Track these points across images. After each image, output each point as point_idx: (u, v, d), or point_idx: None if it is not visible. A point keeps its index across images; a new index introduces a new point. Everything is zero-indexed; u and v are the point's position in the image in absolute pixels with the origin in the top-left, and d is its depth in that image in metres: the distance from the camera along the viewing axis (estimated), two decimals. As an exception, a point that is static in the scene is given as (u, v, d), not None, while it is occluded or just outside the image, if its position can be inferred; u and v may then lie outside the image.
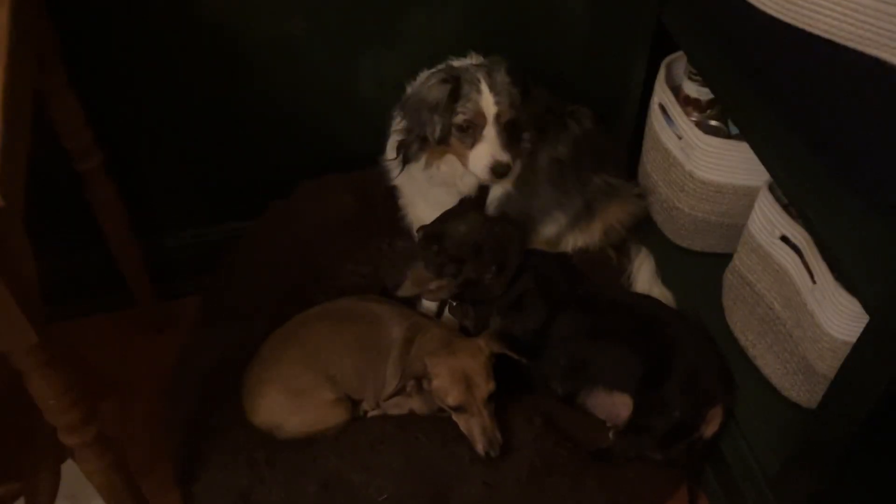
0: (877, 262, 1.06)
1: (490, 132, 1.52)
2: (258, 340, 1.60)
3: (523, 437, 1.48)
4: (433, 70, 1.57)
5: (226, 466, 1.48)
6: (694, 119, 1.66)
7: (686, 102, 1.69)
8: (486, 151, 1.52)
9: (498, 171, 1.52)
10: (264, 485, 1.45)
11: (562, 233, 1.77)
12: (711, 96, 1.65)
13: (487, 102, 1.50)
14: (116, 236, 1.67)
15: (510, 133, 1.54)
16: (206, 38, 1.60)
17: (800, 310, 1.35)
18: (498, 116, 1.51)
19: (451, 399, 1.40)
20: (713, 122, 1.68)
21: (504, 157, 1.51)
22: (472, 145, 1.53)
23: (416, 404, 1.54)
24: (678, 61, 1.71)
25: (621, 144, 1.88)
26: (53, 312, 1.75)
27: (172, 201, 1.85)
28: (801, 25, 1.13)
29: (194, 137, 1.75)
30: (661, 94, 1.67)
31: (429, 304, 1.71)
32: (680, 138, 1.62)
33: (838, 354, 1.26)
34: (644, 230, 1.81)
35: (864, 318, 1.08)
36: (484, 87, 1.49)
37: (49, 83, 1.37)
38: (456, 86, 1.50)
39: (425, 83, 1.54)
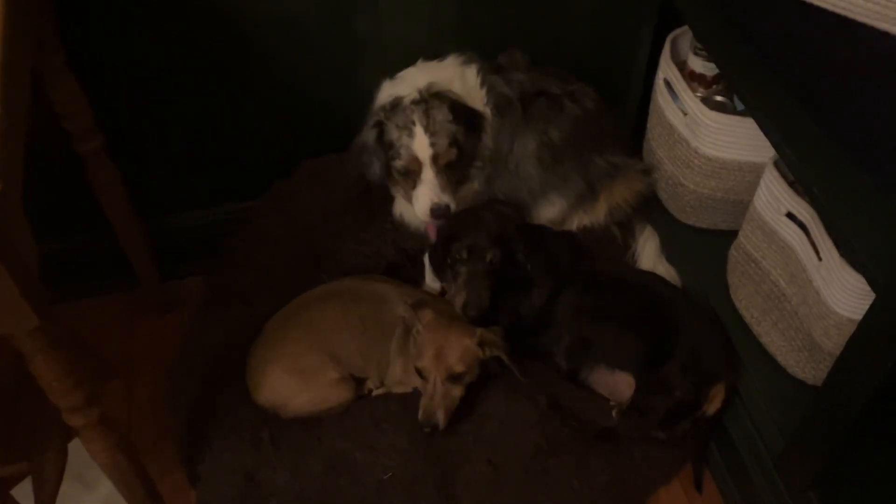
0: (883, 240, 1.05)
1: (428, 175, 1.53)
2: (262, 320, 1.60)
3: (528, 417, 1.49)
4: (386, 96, 1.58)
5: (231, 447, 1.49)
6: (699, 95, 1.65)
7: (691, 78, 1.67)
8: (424, 195, 1.54)
9: (437, 213, 1.54)
10: (269, 464, 1.46)
11: (565, 215, 1.76)
12: (717, 71, 1.63)
13: (421, 146, 1.51)
14: (119, 218, 1.67)
15: (452, 171, 1.55)
16: (207, 16, 1.59)
17: (805, 287, 1.35)
18: (435, 158, 1.52)
19: (419, 361, 1.43)
20: (719, 98, 1.66)
21: (443, 199, 1.54)
22: (414, 186, 1.55)
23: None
24: (683, 36, 1.69)
25: (626, 121, 1.86)
26: (58, 294, 1.78)
27: (175, 182, 1.84)
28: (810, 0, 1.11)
29: (196, 118, 1.74)
30: (666, 69, 1.65)
31: (432, 284, 1.71)
32: (685, 114, 1.60)
33: (844, 332, 1.25)
34: (649, 207, 1.79)
35: (869, 296, 1.08)
36: (418, 129, 1.50)
37: (48, 64, 1.36)
38: (381, 130, 1.53)
39: (364, 129, 1.57)
